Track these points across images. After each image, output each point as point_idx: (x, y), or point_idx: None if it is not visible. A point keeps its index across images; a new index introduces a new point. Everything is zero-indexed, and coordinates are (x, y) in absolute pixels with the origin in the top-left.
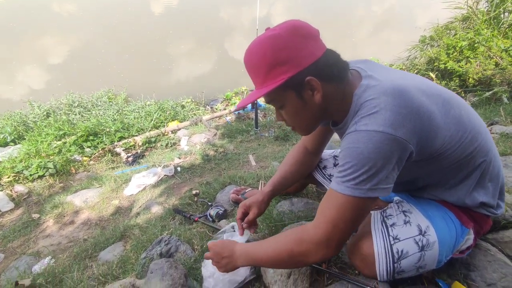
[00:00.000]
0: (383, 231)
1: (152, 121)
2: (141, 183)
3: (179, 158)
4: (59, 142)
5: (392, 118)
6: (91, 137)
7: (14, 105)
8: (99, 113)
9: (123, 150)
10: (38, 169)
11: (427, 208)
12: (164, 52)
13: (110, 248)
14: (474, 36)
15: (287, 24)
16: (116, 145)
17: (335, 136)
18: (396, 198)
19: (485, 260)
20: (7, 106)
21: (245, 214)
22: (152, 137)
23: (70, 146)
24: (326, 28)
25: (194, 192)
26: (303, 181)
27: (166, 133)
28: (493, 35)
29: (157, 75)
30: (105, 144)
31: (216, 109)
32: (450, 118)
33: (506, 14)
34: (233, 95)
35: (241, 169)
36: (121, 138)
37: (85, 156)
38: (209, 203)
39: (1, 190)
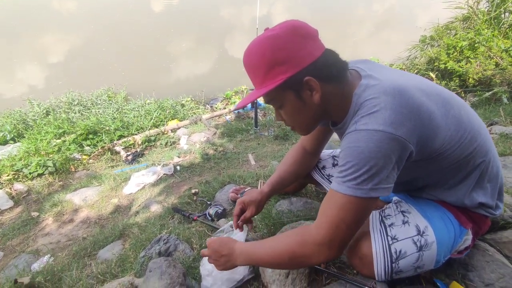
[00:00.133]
0: (381, 231)
1: (152, 120)
2: (140, 182)
3: (179, 157)
4: (58, 141)
5: (392, 117)
6: (90, 136)
7: (14, 103)
8: (98, 111)
9: (122, 148)
10: (38, 167)
11: (426, 209)
12: (164, 51)
13: (109, 246)
14: (475, 36)
15: (286, 24)
16: (116, 144)
17: (335, 136)
18: (394, 198)
19: (483, 261)
20: (7, 104)
21: (242, 210)
22: (152, 135)
23: (69, 145)
24: (326, 28)
25: (193, 191)
26: (302, 181)
27: (165, 132)
28: (493, 35)
29: (157, 73)
30: (105, 143)
31: (216, 108)
32: (450, 118)
33: (507, 14)
34: (233, 94)
35: (241, 168)
36: (120, 137)
37: (85, 155)
38: (208, 202)
39: (1, 188)
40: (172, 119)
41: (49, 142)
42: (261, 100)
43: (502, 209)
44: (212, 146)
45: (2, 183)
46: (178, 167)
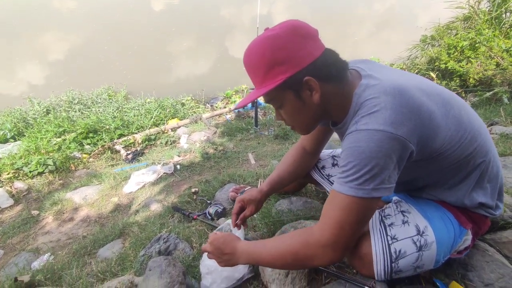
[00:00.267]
0: (381, 230)
1: (152, 119)
2: (140, 181)
3: (179, 156)
4: (58, 139)
5: (392, 117)
6: (90, 134)
7: (15, 101)
8: (99, 110)
9: (122, 147)
10: (38, 165)
11: (426, 208)
12: (165, 50)
13: (109, 245)
14: (475, 36)
15: (286, 24)
16: (116, 143)
17: (334, 135)
18: (394, 198)
19: (483, 261)
20: (7, 102)
21: (242, 209)
22: (152, 134)
23: (69, 143)
24: (327, 27)
25: (193, 190)
26: (301, 181)
27: (165, 131)
28: (494, 35)
29: (157, 72)
30: (105, 142)
31: (216, 107)
32: (450, 118)
33: (508, 14)
34: (233, 93)
35: (241, 167)
36: (120, 136)
37: (85, 153)
38: (208, 201)
39: (1, 187)
40: (172, 118)
41: (50, 140)
42: (261, 100)
43: (502, 209)
44: (212, 145)
45: (2, 182)
46: (178, 166)
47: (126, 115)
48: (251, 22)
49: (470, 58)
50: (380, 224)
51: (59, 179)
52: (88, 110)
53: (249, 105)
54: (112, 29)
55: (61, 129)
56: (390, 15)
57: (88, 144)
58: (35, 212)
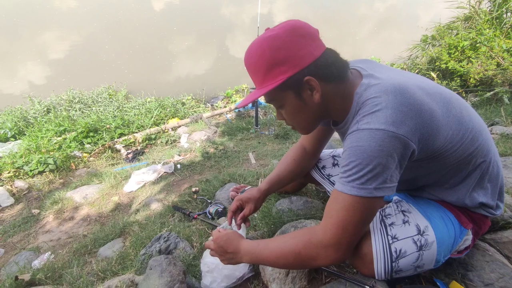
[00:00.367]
0: (381, 230)
1: (152, 118)
2: (140, 180)
3: (179, 155)
4: (59, 138)
5: (393, 116)
6: (91, 134)
7: (15, 100)
8: (99, 109)
9: (123, 146)
10: (38, 164)
11: (426, 208)
12: (165, 49)
13: (109, 244)
14: (476, 36)
15: (286, 24)
16: (116, 142)
17: (335, 135)
18: (395, 197)
19: (483, 260)
20: (8, 101)
21: (239, 207)
22: (152, 134)
23: (70, 142)
24: (327, 27)
25: (193, 189)
26: (302, 181)
27: (166, 130)
28: (495, 35)
29: (157, 72)
30: (105, 141)
31: (217, 106)
32: (451, 117)
33: (509, 14)
34: (234, 92)
35: (241, 167)
36: (121, 135)
37: (85, 153)
38: (209, 201)
39: (2, 186)
40: (173, 117)
41: (50, 139)
42: (262, 99)
43: (502, 209)
44: (213, 144)
45: (3, 180)
46: (178, 166)
47: (126, 114)
48: (251, 21)
49: (470, 58)
50: (381, 223)
51: (59, 178)
52: (89, 109)
53: (250, 104)
54: (113, 28)
55: (61, 128)
56: (391, 14)
57: (89, 143)
58: (35, 211)
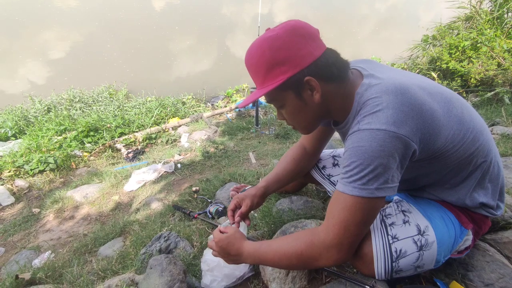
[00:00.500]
0: (382, 230)
1: (153, 118)
2: (141, 179)
3: (179, 155)
4: (59, 137)
5: (394, 116)
6: (91, 133)
7: (16, 99)
8: (100, 108)
9: (123, 146)
10: (39, 164)
11: (427, 208)
12: (166, 49)
13: (109, 243)
14: (477, 36)
15: (286, 25)
16: (117, 141)
17: (335, 135)
18: (395, 197)
19: (483, 261)
20: (8, 100)
21: (237, 206)
22: (153, 133)
23: (70, 142)
24: (328, 26)
25: (194, 189)
26: (302, 180)
27: (166, 130)
28: (496, 35)
29: (158, 71)
30: (106, 140)
31: (217, 106)
32: (452, 117)
33: (510, 14)
34: (234, 92)
35: (241, 166)
36: (121, 134)
37: (86, 152)
38: (209, 200)
39: (2, 185)
40: (173, 117)
41: (50, 138)
42: (262, 99)
43: (503, 209)
44: (213, 144)
45: (3, 179)
46: (178, 165)
47: (127, 114)
48: (252, 21)
49: (471, 58)
50: (381, 223)
51: (60, 177)
52: (89, 108)
53: (250, 104)
54: (114, 28)
55: (62, 128)
56: (392, 14)
57: (89, 142)
58: (36, 210)
